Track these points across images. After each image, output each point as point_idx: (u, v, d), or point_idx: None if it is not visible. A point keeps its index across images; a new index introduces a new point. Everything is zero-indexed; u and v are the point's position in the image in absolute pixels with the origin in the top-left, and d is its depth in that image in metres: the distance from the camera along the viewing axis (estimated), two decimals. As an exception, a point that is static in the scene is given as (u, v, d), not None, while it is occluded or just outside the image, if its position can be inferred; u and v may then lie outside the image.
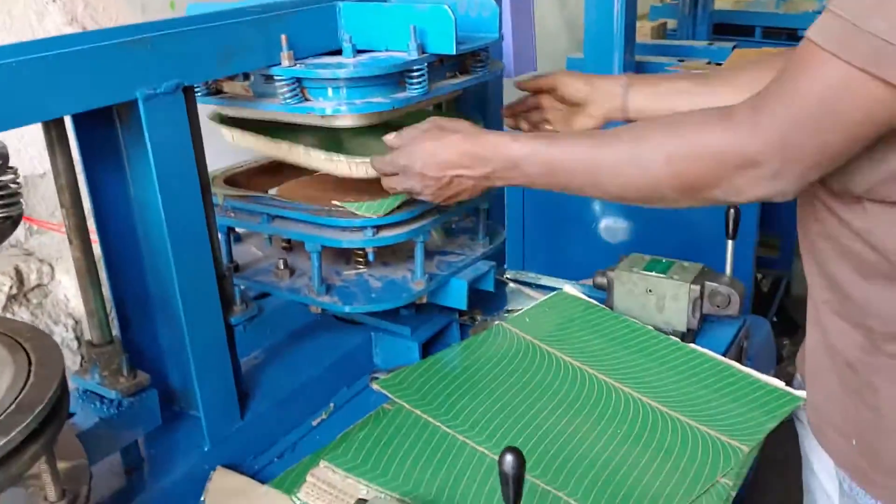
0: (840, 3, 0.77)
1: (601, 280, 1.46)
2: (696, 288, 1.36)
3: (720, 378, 1.24)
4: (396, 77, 1.14)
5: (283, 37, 1.09)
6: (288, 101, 1.12)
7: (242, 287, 1.27)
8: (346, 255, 1.34)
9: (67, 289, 1.94)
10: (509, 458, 0.76)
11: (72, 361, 1.91)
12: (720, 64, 2.67)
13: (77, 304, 1.90)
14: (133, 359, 1.05)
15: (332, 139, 1.35)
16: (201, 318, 1.04)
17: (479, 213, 1.38)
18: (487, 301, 1.52)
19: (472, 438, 1.09)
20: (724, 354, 1.33)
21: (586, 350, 1.31)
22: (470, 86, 1.26)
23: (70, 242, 0.97)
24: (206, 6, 1.10)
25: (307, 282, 1.25)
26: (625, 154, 0.96)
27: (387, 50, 1.17)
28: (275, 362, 1.27)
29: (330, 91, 1.12)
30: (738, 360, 1.33)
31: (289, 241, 1.37)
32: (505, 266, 1.72)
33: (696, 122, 0.91)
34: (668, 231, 2.31)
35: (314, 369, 1.26)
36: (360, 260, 1.30)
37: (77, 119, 0.98)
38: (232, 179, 1.34)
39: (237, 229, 1.39)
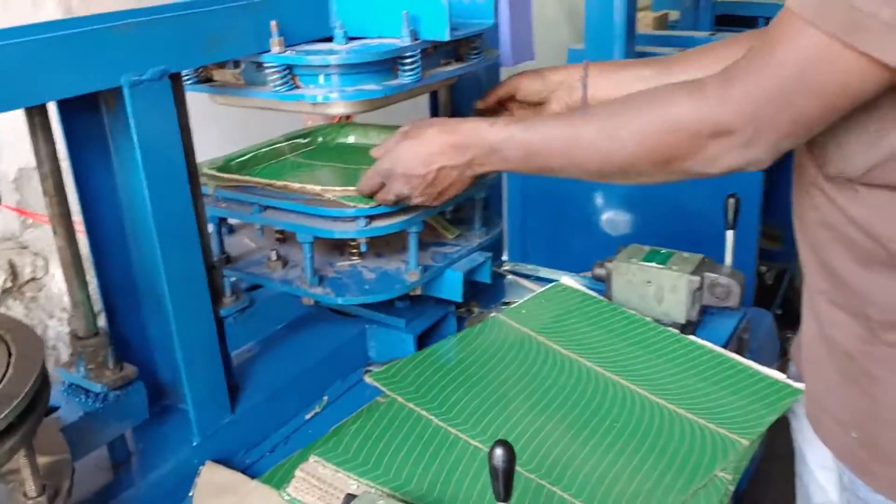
0: None
1: (600, 271, 1.43)
2: (696, 279, 1.34)
3: (720, 370, 1.22)
4: (389, 64, 1.12)
5: (273, 23, 1.07)
6: (278, 88, 1.10)
7: (234, 279, 1.25)
8: (340, 247, 1.32)
9: (62, 283, 1.92)
10: (499, 451, 0.74)
11: (66, 355, 1.89)
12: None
13: (72, 298, 1.88)
14: (120, 351, 1.03)
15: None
16: (189, 309, 1.02)
17: (474, 203, 1.35)
18: (485, 293, 1.50)
19: (466, 432, 1.07)
20: (723, 347, 1.30)
21: (583, 342, 1.29)
22: (464, 73, 1.25)
23: (54, 232, 0.95)
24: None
25: (300, 273, 1.23)
26: (600, 131, 0.97)
27: (379, 37, 1.15)
28: (267, 355, 1.25)
29: (321, 78, 1.10)
30: (739, 353, 1.30)
31: (282, 231, 1.35)
32: (505, 258, 1.69)
33: (668, 96, 0.92)
34: (670, 222, 2.29)
35: (307, 362, 1.24)
36: (354, 251, 1.28)
37: (63, 106, 0.97)
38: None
39: (230, 220, 1.37)
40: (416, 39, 1.12)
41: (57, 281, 1.98)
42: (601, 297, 1.41)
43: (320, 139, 1.48)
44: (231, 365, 1.15)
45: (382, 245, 1.31)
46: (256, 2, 1.05)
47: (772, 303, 2.95)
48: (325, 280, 1.22)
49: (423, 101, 1.49)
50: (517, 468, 0.80)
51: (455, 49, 1.24)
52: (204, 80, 1.18)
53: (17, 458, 0.75)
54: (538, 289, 1.48)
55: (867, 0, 0.73)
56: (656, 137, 0.91)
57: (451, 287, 1.28)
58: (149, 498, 1.00)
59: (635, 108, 0.95)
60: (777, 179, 2.18)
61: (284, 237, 1.36)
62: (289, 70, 1.09)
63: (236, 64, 1.15)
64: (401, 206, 1.16)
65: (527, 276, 1.62)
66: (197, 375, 1.04)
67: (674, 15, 3.40)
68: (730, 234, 1.38)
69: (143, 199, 0.95)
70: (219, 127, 2.06)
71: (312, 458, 1.00)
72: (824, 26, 0.76)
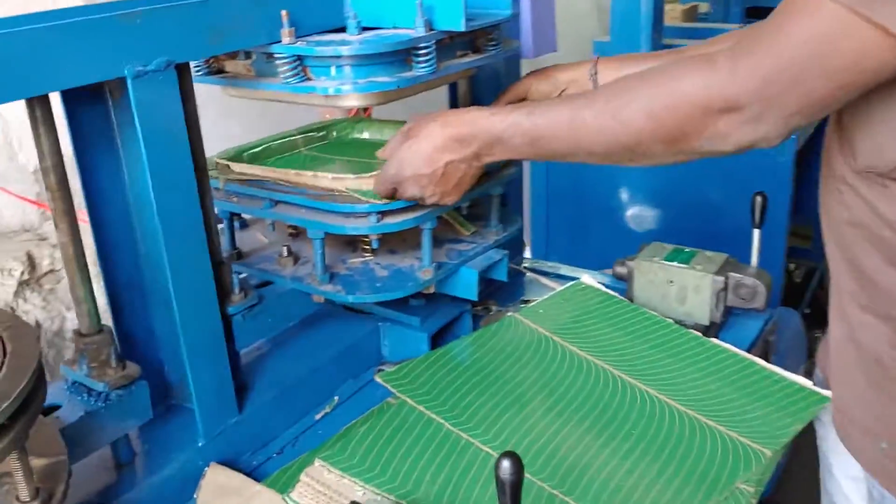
0: None
1: (621, 270, 1.39)
2: (720, 279, 1.29)
3: (744, 376, 1.18)
4: (403, 55, 1.09)
5: (284, 13, 1.04)
6: (289, 80, 1.07)
7: (244, 275, 1.22)
8: (353, 243, 1.29)
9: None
10: (506, 463, 0.70)
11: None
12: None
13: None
14: (126, 349, 1.01)
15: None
16: (196, 306, 1.00)
17: (491, 199, 1.32)
18: (504, 290, 1.47)
19: (478, 437, 1.03)
20: (749, 350, 1.26)
21: (602, 344, 1.25)
22: (482, 65, 1.21)
23: (56, 227, 0.93)
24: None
25: (311, 270, 1.20)
26: (605, 111, 0.93)
27: (394, 27, 1.12)
28: (277, 353, 1.23)
29: (333, 69, 1.07)
30: (765, 357, 1.26)
31: (295, 227, 1.32)
32: (528, 254, 1.66)
33: (674, 71, 0.88)
34: (695, 219, 2.24)
35: (318, 360, 1.21)
36: (367, 247, 1.25)
37: (67, 98, 0.94)
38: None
39: (243, 215, 1.35)
40: (432, 30, 1.09)
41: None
42: (622, 298, 1.37)
43: (335, 133, 1.45)
44: (239, 364, 1.12)
45: (396, 241, 1.28)
46: (266, -9, 1.03)
47: (800, 301, 2.89)
48: (336, 277, 1.20)
49: (443, 93, 1.45)
50: (529, 476, 0.77)
51: (472, 40, 1.20)
52: (216, 71, 1.16)
53: (9, 461, 0.73)
54: (558, 287, 1.44)
55: None
56: (664, 114, 0.87)
57: (467, 285, 1.25)
58: (151, 500, 0.97)
59: (641, 84, 0.91)
60: (808, 177, 2.12)
61: (297, 232, 1.33)
62: (300, 61, 1.07)
63: (247, 55, 1.12)
64: (412, 200, 1.12)
65: (546, 274, 1.59)
66: (202, 374, 1.02)
67: (703, 7, 3.33)
68: (756, 233, 1.34)
69: (147, 193, 0.93)
70: (237, 121, 2.05)
71: (318, 463, 0.97)
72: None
